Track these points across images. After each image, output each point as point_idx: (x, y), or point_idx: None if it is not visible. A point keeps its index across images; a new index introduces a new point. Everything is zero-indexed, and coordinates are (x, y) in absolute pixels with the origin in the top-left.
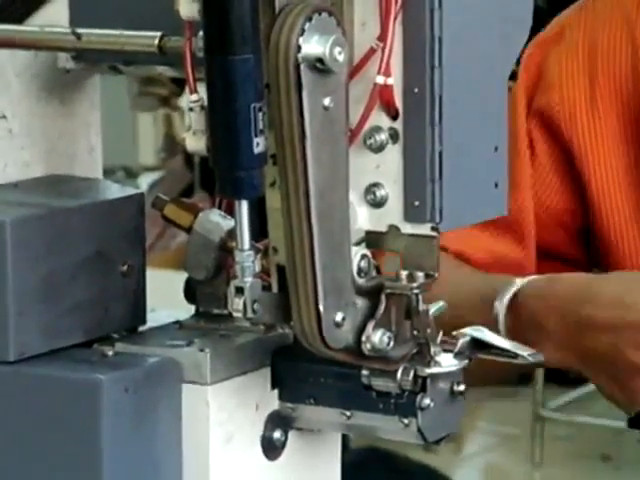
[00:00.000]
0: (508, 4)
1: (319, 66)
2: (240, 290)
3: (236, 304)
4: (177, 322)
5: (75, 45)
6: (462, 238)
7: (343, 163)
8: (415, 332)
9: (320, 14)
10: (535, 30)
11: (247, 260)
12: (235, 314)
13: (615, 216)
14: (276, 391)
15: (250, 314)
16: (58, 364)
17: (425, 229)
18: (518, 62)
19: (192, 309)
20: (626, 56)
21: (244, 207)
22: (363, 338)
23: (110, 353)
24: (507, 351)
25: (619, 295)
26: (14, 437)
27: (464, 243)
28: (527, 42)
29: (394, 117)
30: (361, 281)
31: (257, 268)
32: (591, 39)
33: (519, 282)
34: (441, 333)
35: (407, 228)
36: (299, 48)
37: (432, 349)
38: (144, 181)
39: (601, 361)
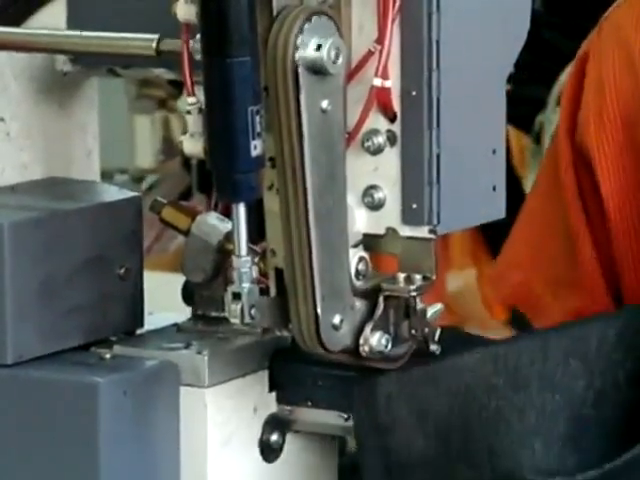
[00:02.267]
0: (506, 7)
1: (317, 69)
2: (237, 296)
3: (233, 310)
4: (175, 325)
5: (73, 48)
6: (537, 309)
7: (341, 166)
8: (413, 331)
9: (318, 17)
10: (532, 33)
11: (244, 266)
12: (232, 320)
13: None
14: (274, 393)
15: (247, 320)
16: (56, 367)
17: (423, 232)
18: (515, 65)
19: (190, 312)
20: (630, 94)
21: (242, 210)
22: (361, 341)
23: (108, 356)
24: None
25: None
26: (12, 440)
27: (540, 315)
28: (525, 49)
29: (392, 120)
30: (359, 283)
31: (254, 274)
32: (598, 75)
33: None
34: (439, 331)
35: (405, 231)
36: (297, 51)
37: (431, 347)
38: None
39: None
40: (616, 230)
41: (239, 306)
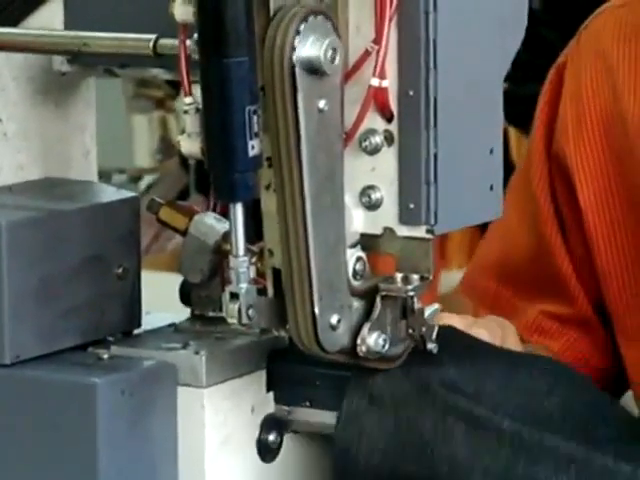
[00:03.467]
0: (503, 6)
1: (314, 68)
2: (235, 296)
3: (231, 310)
4: (172, 325)
5: (70, 48)
6: (507, 312)
7: (338, 165)
8: (410, 330)
9: (315, 17)
10: (530, 32)
11: (242, 266)
12: (230, 320)
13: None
14: (272, 394)
15: (245, 320)
16: (54, 367)
17: (420, 231)
18: (513, 64)
19: (187, 312)
20: (609, 102)
21: (239, 210)
22: (358, 341)
23: (106, 356)
24: None
25: None
26: (10, 440)
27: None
28: (523, 48)
29: (389, 120)
30: (356, 283)
31: (252, 274)
32: (576, 84)
33: None
34: (436, 330)
35: (402, 230)
36: (294, 51)
37: (428, 345)
38: (140, 184)
39: None
40: (595, 237)
41: (237, 306)
